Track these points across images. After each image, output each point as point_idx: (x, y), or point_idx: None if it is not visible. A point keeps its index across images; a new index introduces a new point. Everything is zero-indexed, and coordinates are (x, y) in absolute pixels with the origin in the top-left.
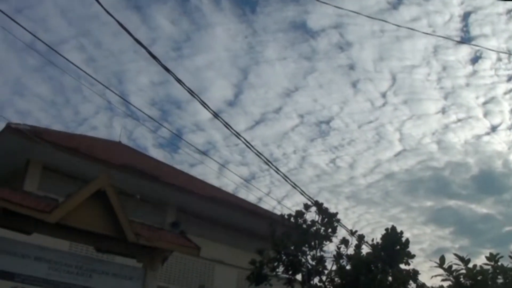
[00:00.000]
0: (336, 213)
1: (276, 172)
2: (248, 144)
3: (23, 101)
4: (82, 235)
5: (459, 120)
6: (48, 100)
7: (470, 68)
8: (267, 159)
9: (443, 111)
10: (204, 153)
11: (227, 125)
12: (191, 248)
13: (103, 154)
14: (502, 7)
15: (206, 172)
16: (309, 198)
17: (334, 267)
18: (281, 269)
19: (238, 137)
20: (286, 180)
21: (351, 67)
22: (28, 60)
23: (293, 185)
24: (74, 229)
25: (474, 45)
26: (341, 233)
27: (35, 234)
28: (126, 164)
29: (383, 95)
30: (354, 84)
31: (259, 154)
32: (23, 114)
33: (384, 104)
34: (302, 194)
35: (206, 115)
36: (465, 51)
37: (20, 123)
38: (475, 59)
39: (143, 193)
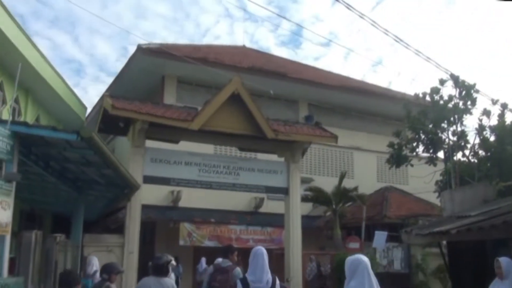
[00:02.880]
0: (474, 84)
1: (406, 47)
2: (373, 23)
3: (147, 23)
4: (224, 138)
5: None
6: (170, 17)
7: None
8: (395, 36)
9: None
10: (330, 40)
11: (349, 6)
12: (328, 138)
13: (230, 60)
14: None
15: (332, 64)
16: (445, 70)
17: (477, 140)
18: (421, 148)
19: (361, 17)
20: (418, 55)
21: None
22: None
23: (426, 58)
24: (216, 133)
25: None
26: (481, 104)
27: (182, 142)
28: (254, 66)
29: None
30: None
31: (386, 32)
32: (149, 34)
33: None
34: (437, 67)
35: (323, 4)
36: None
37: (149, 43)
38: None
39: (274, 92)
